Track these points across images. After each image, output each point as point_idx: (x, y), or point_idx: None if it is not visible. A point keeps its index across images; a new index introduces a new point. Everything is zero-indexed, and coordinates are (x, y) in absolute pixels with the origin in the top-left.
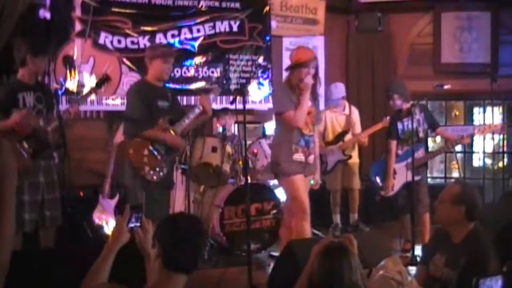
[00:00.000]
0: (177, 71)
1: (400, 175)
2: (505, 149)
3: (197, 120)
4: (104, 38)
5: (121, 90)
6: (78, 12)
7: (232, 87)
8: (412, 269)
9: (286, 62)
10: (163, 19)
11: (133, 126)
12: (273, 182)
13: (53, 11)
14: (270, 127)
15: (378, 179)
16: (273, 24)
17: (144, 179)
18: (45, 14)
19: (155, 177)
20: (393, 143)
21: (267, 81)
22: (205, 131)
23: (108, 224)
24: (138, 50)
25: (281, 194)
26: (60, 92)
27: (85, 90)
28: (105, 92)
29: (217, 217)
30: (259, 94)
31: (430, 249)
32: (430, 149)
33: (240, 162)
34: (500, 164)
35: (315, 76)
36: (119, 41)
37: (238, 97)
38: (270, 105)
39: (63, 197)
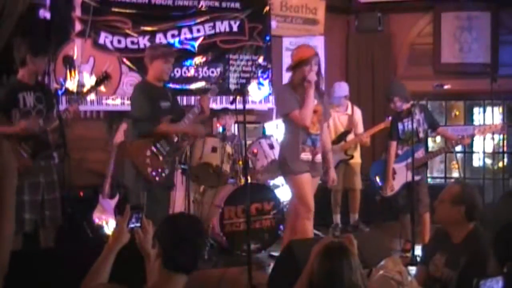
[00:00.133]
0: (177, 71)
1: (400, 175)
2: (505, 149)
3: (196, 119)
4: (104, 38)
5: (121, 90)
6: (78, 12)
7: (232, 87)
8: (412, 269)
9: (286, 62)
10: (163, 19)
11: (147, 124)
12: (273, 182)
13: (53, 11)
14: (270, 127)
15: (378, 179)
16: (273, 24)
17: (147, 180)
18: (45, 14)
19: (157, 178)
20: (393, 144)
21: (267, 81)
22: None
23: (108, 224)
24: (138, 50)
25: (281, 194)
26: (60, 92)
27: (85, 89)
28: (105, 92)
29: (217, 217)
30: (259, 94)
31: (430, 249)
32: (430, 149)
33: (240, 162)
34: (500, 164)
35: (318, 73)
36: (119, 41)
37: (238, 97)
38: (270, 105)
39: (63, 197)
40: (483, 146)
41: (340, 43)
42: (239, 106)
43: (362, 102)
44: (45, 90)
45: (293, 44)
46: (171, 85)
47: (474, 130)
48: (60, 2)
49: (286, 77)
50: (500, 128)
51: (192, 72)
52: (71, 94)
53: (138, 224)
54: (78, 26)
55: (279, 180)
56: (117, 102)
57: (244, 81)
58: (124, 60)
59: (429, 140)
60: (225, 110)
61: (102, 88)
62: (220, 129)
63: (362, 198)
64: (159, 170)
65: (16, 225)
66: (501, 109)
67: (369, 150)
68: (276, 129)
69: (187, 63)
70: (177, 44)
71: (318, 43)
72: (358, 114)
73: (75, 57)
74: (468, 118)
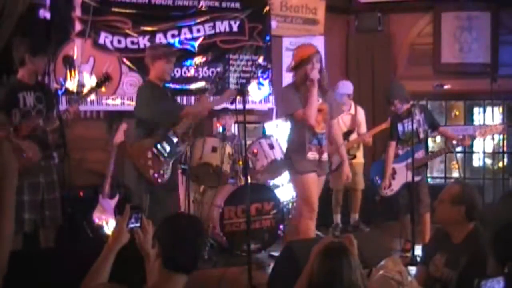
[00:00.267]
0: (177, 71)
1: (400, 175)
2: (505, 149)
3: (195, 119)
4: (104, 38)
5: (121, 90)
6: (78, 12)
7: (232, 87)
8: (412, 269)
9: (286, 62)
10: (163, 19)
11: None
12: (273, 182)
13: (53, 11)
14: (270, 127)
15: (378, 179)
16: (273, 24)
17: (149, 182)
18: (45, 14)
19: (159, 180)
20: (392, 144)
21: (267, 81)
22: (205, 131)
23: (108, 224)
24: (138, 50)
25: (281, 194)
26: (60, 92)
27: (86, 90)
28: (105, 92)
29: (217, 217)
30: (259, 94)
31: (430, 249)
32: (430, 149)
33: (240, 162)
34: (500, 164)
35: (320, 70)
36: (119, 41)
37: (238, 97)
38: (270, 105)
39: (63, 197)
40: (483, 146)
41: (340, 43)
42: (239, 106)
43: (362, 102)
44: (45, 90)
45: (293, 44)
46: (171, 85)
47: (475, 132)
48: (60, 2)
49: (286, 77)
50: (501, 130)
51: (192, 72)
52: (71, 94)
53: (138, 224)
54: (78, 26)
55: (279, 180)
56: (117, 102)
57: (244, 81)
58: (124, 60)
59: (429, 140)
60: (225, 110)
61: (102, 88)
62: (220, 129)
63: (362, 198)
64: (161, 171)
65: (15, 225)
66: (501, 109)
67: (370, 150)
68: (276, 129)
69: (187, 63)
70: (177, 44)
71: (318, 43)
72: (361, 114)
73: (75, 57)
74: (468, 118)
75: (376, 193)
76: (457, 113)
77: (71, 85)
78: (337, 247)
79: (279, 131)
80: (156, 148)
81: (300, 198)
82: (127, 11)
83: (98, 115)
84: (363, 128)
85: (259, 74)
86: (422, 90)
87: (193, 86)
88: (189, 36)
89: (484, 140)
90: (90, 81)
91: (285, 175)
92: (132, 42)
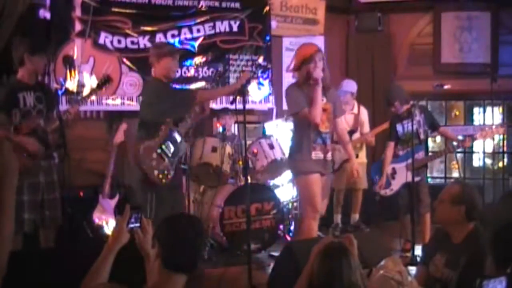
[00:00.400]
0: (177, 71)
1: (400, 175)
2: (505, 149)
3: (196, 118)
4: (104, 38)
5: (121, 90)
6: (78, 12)
7: None
8: (412, 269)
9: (286, 62)
10: (163, 19)
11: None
12: (273, 182)
13: (53, 11)
14: (270, 127)
15: (377, 179)
16: (273, 24)
17: (154, 182)
18: (45, 14)
19: (164, 181)
20: (391, 144)
21: (267, 81)
22: (205, 131)
23: (108, 224)
24: (138, 50)
25: (281, 194)
26: (60, 92)
27: (86, 90)
28: (105, 92)
29: (217, 217)
30: (259, 94)
31: (430, 249)
32: (430, 149)
33: (240, 162)
34: (500, 164)
35: (323, 69)
36: (119, 41)
37: (238, 97)
38: (270, 105)
39: (63, 197)
40: (483, 146)
41: (340, 43)
42: (239, 106)
43: (362, 102)
44: (45, 90)
45: (293, 44)
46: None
47: (476, 134)
48: (60, 2)
49: (286, 77)
50: (502, 132)
51: (192, 72)
52: (71, 94)
53: (138, 224)
54: (78, 26)
55: (279, 180)
56: (117, 102)
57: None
58: (124, 60)
59: (429, 140)
60: (225, 110)
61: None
62: (220, 129)
63: (363, 198)
64: (165, 172)
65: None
66: (501, 109)
67: (370, 150)
68: (276, 129)
69: (187, 63)
70: (177, 44)
71: (318, 43)
72: (364, 114)
73: (75, 57)
74: (468, 118)
75: (376, 193)
76: (457, 113)
77: (71, 85)
78: (337, 247)
79: (279, 131)
80: (161, 148)
81: (303, 198)
82: (127, 11)
83: (98, 115)
84: (366, 127)
85: (259, 74)
86: (422, 90)
87: (193, 86)
88: (189, 36)
89: (484, 141)
90: (90, 81)
91: (285, 175)
92: (132, 42)
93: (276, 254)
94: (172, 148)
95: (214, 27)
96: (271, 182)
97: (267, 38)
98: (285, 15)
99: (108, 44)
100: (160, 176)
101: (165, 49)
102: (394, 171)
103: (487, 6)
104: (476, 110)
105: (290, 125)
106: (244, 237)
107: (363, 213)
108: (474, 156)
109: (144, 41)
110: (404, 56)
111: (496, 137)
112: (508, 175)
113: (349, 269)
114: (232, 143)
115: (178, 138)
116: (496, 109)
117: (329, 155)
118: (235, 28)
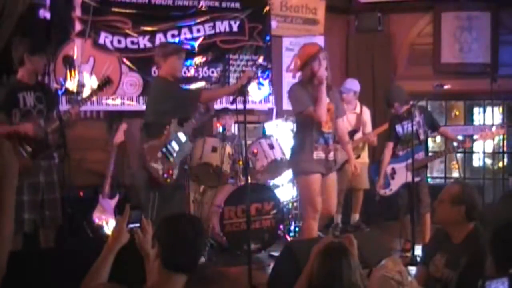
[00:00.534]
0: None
1: (400, 175)
2: (505, 149)
3: (201, 119)
4: (104, 38)
5: (121, 90)
6: (78, 12)
7: None
8: (412, 269)
9: (286, 62)
10: (163, 19)
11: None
12: (273, 182)
13: (53, 11)
14: (270, 127)
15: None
16: (273, 24)
17: (158, 182)
18: (45, 14)
19: (168, 180)
20: (389, 145)
21: (267, 81)
22: (205, 131)
23: (108, 224)
24: (138, 50)
25: (281, 194)
26: (60, 92)
27: (86, 91)
28: (105, 92)
29: (217, 217)
30: (259, 94)
31: (430, 249)
32: (430, 150)
33: (240, 162)
34: (500, 164)
35: (326, 68)
36: (119, 41)
37: (238, 97)
38: (270, 105)
39: (63, 197)
40: (483, 146)
41: (340, 43)
42: (239, 106)
43: (362, 102)
44: (45, 90)
45: (293, 44)
46: None
47: (476, 135)
48: (60, 2)
49: (286, 77)
50: (502, 133)
51: (192, 72)
52: (71, 94)
53: (138, 224)
54: (78, 26)
55: (279, 180)
56: (117, 102)
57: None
58: (124, 60)
59: (429, 140)
60: (225, 110)
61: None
62: (220, 129)
63: (363, 199)
64: (170, 171)
65: (15, 225)
66: (501, 109)
67: (371, 151)
68: (276, 129)
69: (187, 63)
70: None
71: (318, 43)
72: (366, 113)
73: (75, 57)
74: (468, 118)
75: (376, 193)
76: (457, 113)
77: (71, 85)
78: (337, 247)
79: (279, 131)
80: (166, 148)
81: (303, 198)
82: (127, 11)
83: (98, 115)
84: (369, 127)
85: (259, 74)
86: (422, 90)
87: (193, 86)
88: (189, 36)
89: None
90: (90, 81)
91: (285, 175)
92: (132, 42)
93: (276, 254)
94: (176, 148)
95: (214, 27)
96: (271, 182)
97: (267, 38)
98: (285, 15)
99: (108, 44)
100: (165, 175)
101: (171, 48)
102: (394, 171)
103: (487, 6)
104: (476, 110)
105: (290, 125)
106: (244, 237)
107: (363, 213)
108: (474, 156)
109: (144, 41)
110: (404, 56)
111: (496, 137)
112: (508, 175)
113: (349, 269)
114: (232, 143)
115: (183, 138)
116: (496, 109)
117: (331, 155)
118: (235, 28)
